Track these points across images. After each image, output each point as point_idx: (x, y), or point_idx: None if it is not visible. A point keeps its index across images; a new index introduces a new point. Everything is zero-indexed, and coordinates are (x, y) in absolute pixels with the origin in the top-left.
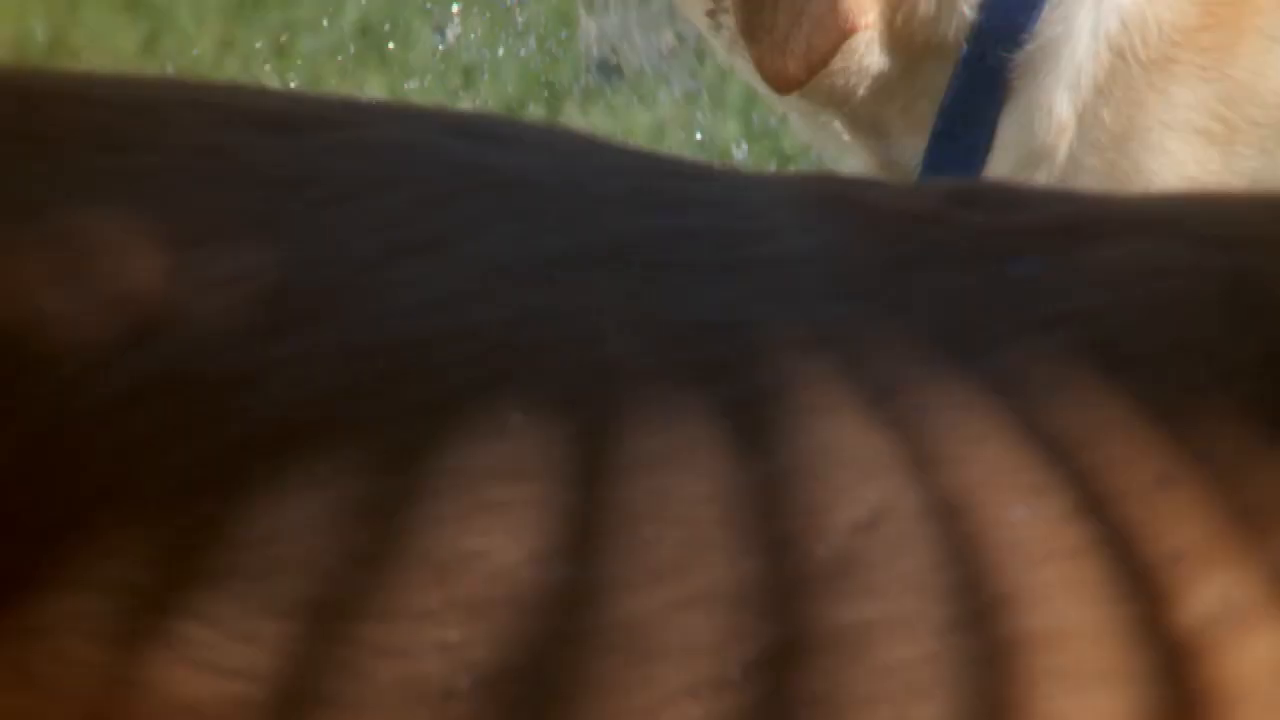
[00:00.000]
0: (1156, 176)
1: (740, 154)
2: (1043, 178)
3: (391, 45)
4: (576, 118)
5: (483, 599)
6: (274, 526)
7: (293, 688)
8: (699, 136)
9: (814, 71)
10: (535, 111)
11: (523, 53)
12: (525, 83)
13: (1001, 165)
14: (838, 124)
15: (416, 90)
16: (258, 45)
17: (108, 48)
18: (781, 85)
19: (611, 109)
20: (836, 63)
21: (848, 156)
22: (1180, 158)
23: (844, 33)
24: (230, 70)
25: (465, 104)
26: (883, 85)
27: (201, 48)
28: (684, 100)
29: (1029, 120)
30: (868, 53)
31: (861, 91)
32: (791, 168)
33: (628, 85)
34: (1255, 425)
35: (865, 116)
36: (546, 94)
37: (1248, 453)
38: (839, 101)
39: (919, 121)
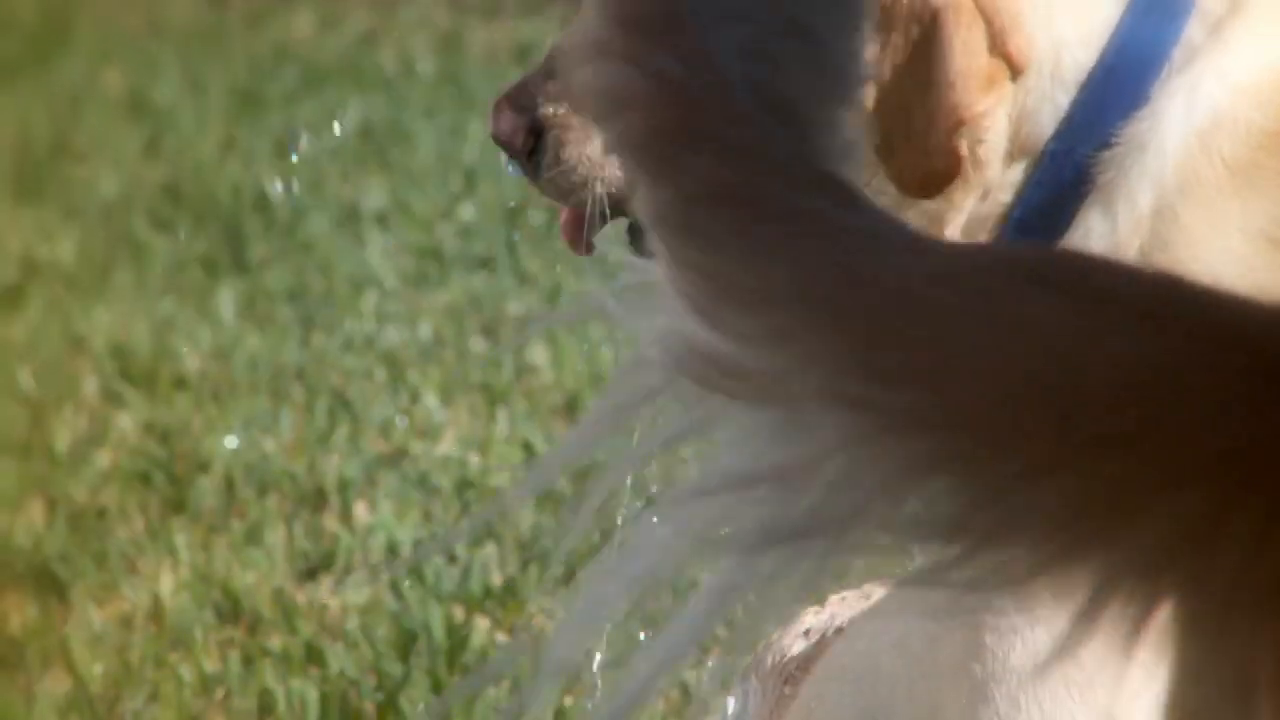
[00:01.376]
0: (1225, 282)
1: None
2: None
3: (393, 148)
4: None
5: None
6: None
7: None
8: None
9: (959, 167)
10: (536, 215)
11: None
12: (526, 186)
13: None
14: (938, 217)
15: (418, 195)
16: (259, 147)
17: (110, 150)
18: (931, 187)
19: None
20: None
21: None
22: (1252, 264)
23: (961, 122)
24: (232, 173)
25: (466, 208)
26: (989, 185)
27: (203, 150)
28: None
29: (1110, 216)
30: (988, 159)
31: (974, 196)
32: None
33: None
34: None
35: (935, 205)
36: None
37: None
38: (956, 206)
39: (991, 209)
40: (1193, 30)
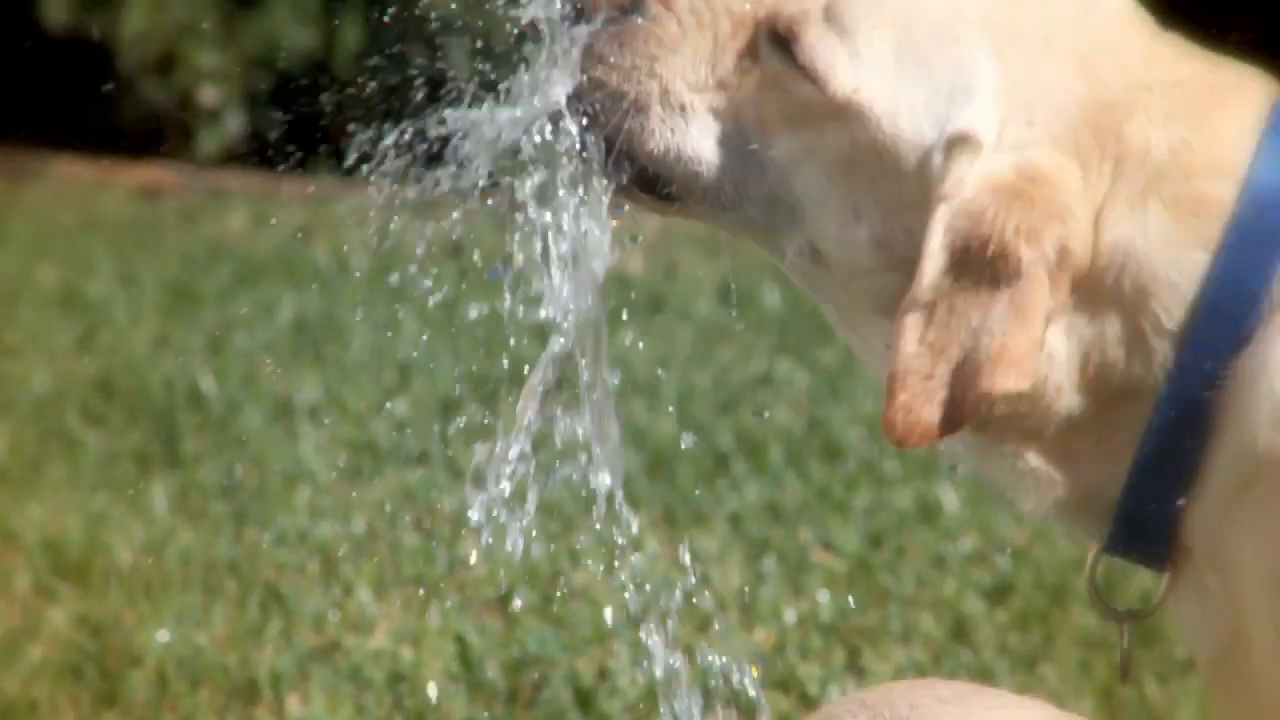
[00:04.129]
0: None
1: (688, 442)
2: (1251, 502)
3: (326, 343)
4: (511, 415)
5: None
6: None
7: None
8: (635, 433)
9: (952, 430)
10: (472, 411)
11: (458, 349)
12: (460, 379)
13: (1215, 490)
14: (1018, 454)
15: (352, 390)
16: (193, 342)
17: (43, 344)
18: (911, 436)
19: (546, 405)
20: (1024, 405)
21: (1021, 489)
22: None
23: (987, 396)
24: (166, 368)
25: (399, 403)
26: (1076, 422)
27: (136, 344)
28: (619, 396)
29: (1231, 459)
30: (1057, 397)
31: (1051, 430)
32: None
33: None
34: None
35: (1055, 448)
36: (481, 390)
37: None
38: (1026, 437)
39: (1115, 451)
40: None
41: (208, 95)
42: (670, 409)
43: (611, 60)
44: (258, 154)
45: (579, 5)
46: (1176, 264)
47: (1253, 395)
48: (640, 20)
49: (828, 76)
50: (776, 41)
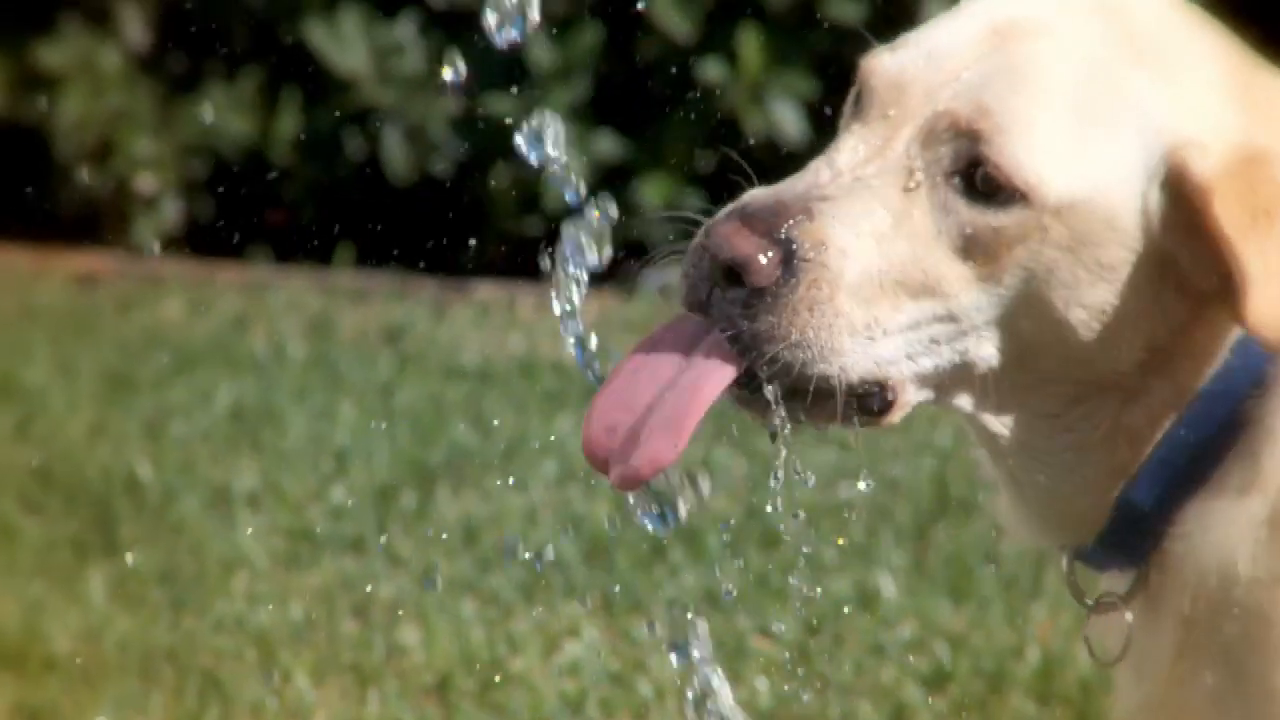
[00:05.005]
0: None
1: (613, 534)
2: (1258, 503)
3: (264, 431)
4: (449, 501)
5: None
6: None
7: None
8: (570, 520)
9: None
10: (408, 497)
11: (396, 437)
12: (398, 467)
13: (1223, 491)
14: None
15: (290, 477)
16: (130, 430)
17: None
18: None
19: (484, 493)
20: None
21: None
22: None
23: None
24: (103, 456)
25: (336, 490)
26: (1128, 392)
27: (73, 432)
28: (556, 484)
29: (1258, 449)
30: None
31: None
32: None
33: (499, 468)
34: None
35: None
36: (419, 478)
37: None
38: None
39: (1141, 436)
40: None
41: (145, 183)
42: (608, 496)
43: (793, 324)
44: (195, 242)
45: (729, 269)
46: None
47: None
48: (797, 275)
49: (1035, 183)
50: (965, 179)
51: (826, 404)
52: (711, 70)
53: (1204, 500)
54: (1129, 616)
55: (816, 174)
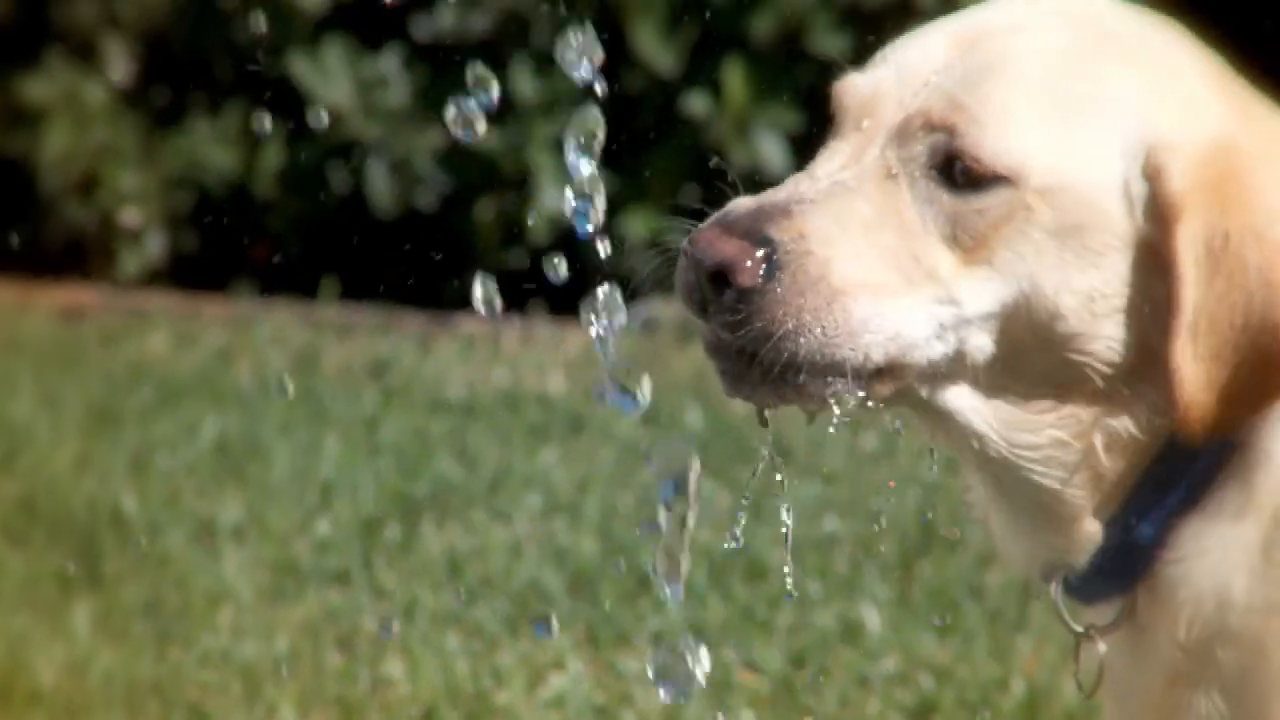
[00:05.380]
0: None
1: (596, 567)
2: (1252, 528)
3: (249, 464)
4: (433, 534)
5: None
6: None
7: None
8: (556, 553)
9: (1239, 424)
10: (393, 530)
11: (380, 470)
12: (382, 500)
13: (1217, 514)
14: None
15: (275, 510)
16: (115, 463)
17: None
18: (1225, 433)
19: (469, 526)
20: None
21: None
22: None
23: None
24: (88, 488)
25: (321, 523)
26: (1118, 407)
27: (58, 465)
28: (541, 516)
29: (1250, 472)
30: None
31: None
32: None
33: (483, 501)
34: None
35: (1090, 449)
36: (404, 511)
37: None
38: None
39: (1135, 455)
40: None
41: (129, 217)
42: (592, 529)
43: (787, 313)
44: (179, 275)
45: (715, 274)
46: None
47: (1272, 425)
48: (783, 268)
49: (1018, 165)
50: (943, 173)
51: (825, 387)
52: (696, 103)
53: (1198, 524)
54: (1102, 647)
55: (796, 184)
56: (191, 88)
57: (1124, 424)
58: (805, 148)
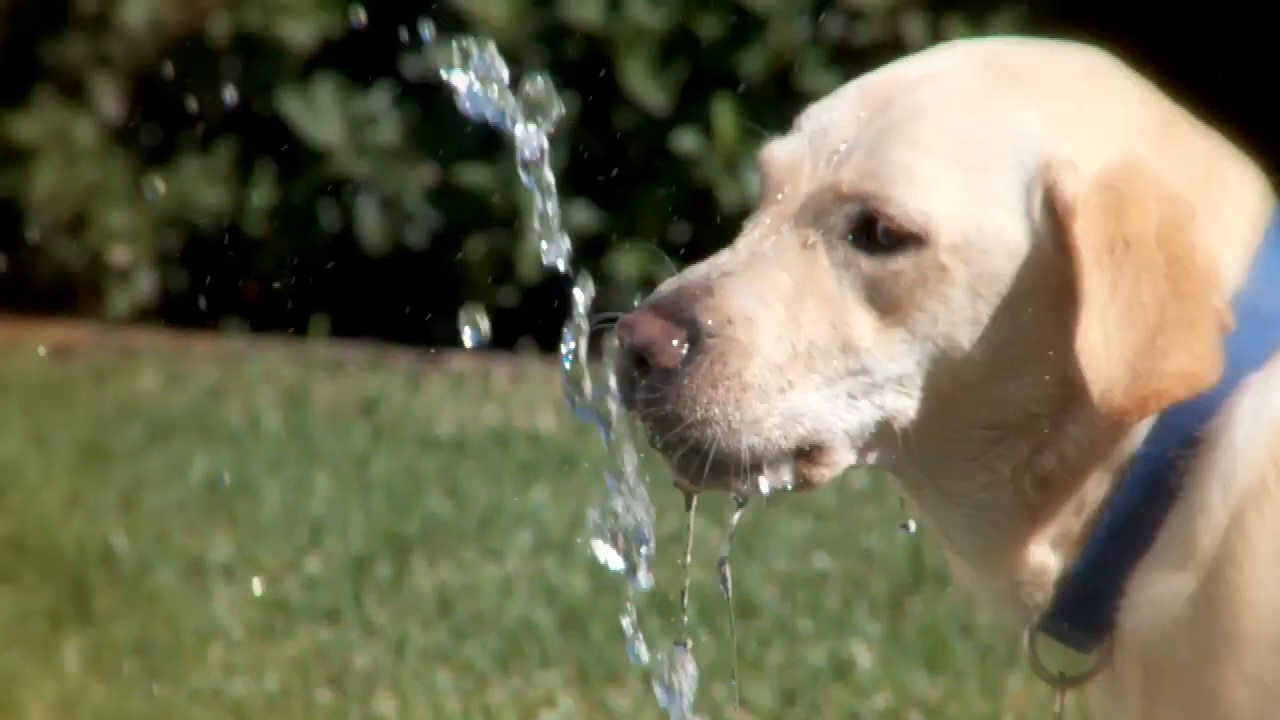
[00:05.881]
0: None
1: (587, 604)
2: (1191, 578)
3: (239, 501)
4: (424, 572)
5: None
6: None
7: None
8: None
9: (1147, 410)
10: (383, 567)
11: (371, 507)
12: (373, 537)
13: (1161, 562)
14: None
15: (263, 547)
16: (105, 501)
17: None
18: (1154, 409)
19: (459, 563)
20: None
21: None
22: None
23: (1198, 384)
24: (77, 526)
25: (311, 560)
26: (1069, 460)
27: (48, 503)
28: (532, 554)
29: (1189, 523)
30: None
31: (1049, 463)
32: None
33: (474, 539)
34: None
35: (1040, 492)
36: (394, 549)
37: None
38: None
39: (1088, 505)
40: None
41: (119, 255)
42: (583, 566)
43: (696, 403)
44: (169, 313)
45: (639, 355)
46: None
47: (1212, 458)
48: (704, 353)
49: (927, 226)
50: (860, 237)
51: (753, 474)
52: (686, 141)
53: (1146, 571)
54: (1060, 700)
55: (717, 257)
56: (181, 126)
57: (1050, 459)
58: None
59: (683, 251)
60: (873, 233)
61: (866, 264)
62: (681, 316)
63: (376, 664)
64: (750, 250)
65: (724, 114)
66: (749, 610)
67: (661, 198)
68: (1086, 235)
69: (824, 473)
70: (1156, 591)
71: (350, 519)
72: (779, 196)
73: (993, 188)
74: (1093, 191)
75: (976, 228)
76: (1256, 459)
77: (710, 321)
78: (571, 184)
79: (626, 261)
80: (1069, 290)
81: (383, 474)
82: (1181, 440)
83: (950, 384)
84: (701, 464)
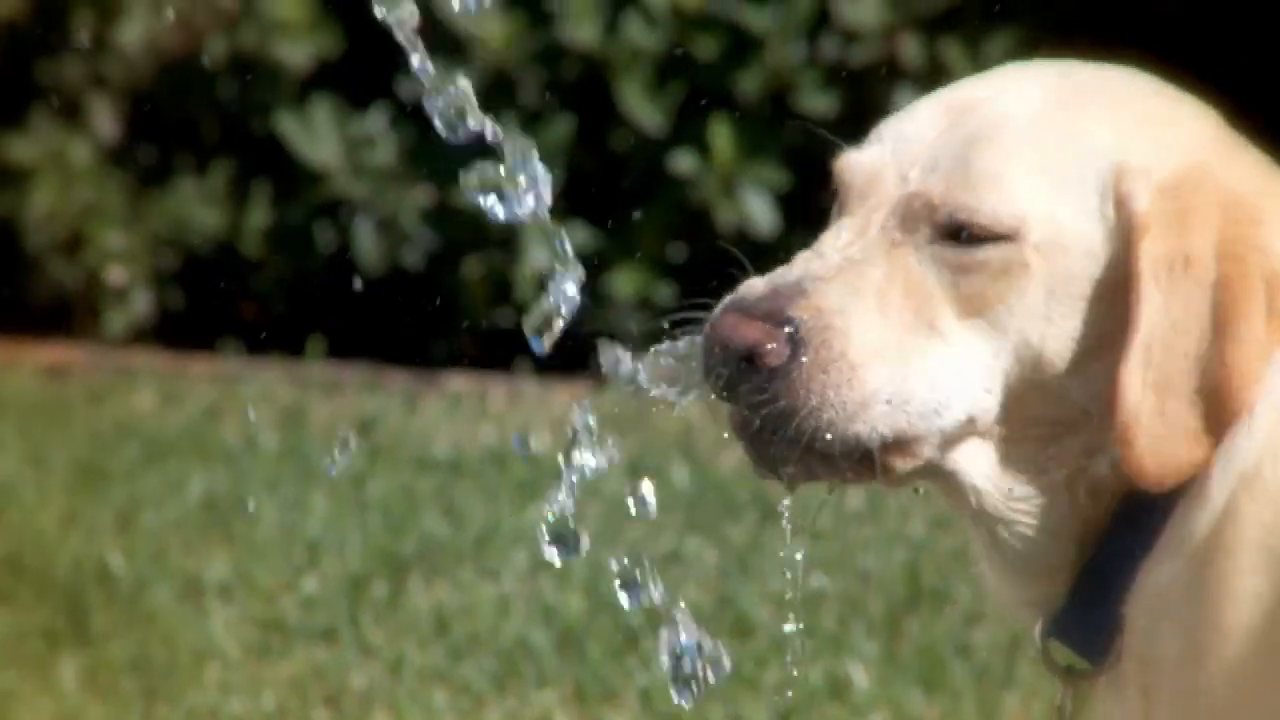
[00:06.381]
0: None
1: (583, 624)
2: (1186, 567)
3: (235, 521)
4: (420, 592)
5: None
6: None
7: None
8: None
9: (1211, 449)
10: (380, 587)
11: (367, 527)
12: (369, 557)
13: (1164, 552)
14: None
15: (260, 567)
16: (101, 520)
17: None
18: (1166, 474)
19: (456, 583)
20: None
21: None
22: None
23: (1240, 407)
24: (74, 546)
25: (308, 580)
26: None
27: (44, 522)
28: (529, 574)
29: (1191, 507)
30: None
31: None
32: (637, 641)
33: (470, 558)
34: None
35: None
36: (391, 568)
37: None
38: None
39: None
40: None
41: (115, 275)
42: (579, 585)
43: (810, 391)
44: (166, 333)
45: (745, 357)
46: None
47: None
48: (808, 344)
49: (1017, 224)
50: (948, 238)
51: (842, 463)
52: (683, 162)
53: (1150, 567)
54: (1064, 698)
55: (806, 262)
56: (178, 146)
57: (1102, 465)
58: (793, 207)
59: (680, 272)
60: (959, 235)
61: (953, 255)
62: (779, 317)
63: (373, 684)
64: (839, 254)
65: (720, 135)
66: (745, 629)
67: (658, 218)
68: (1149, 252)
69: (907, 464)
70: (1155, 580)
71: (347, 539)
72: (868, 201)
73: (1074, 192)
74: (1159, 198)
75: (1059, 228)
76: (1255, 443)
77: (807, 315)
78: (567, 205)
79: (623, 282)
80: (1132, 300)
81: (379, 494)
82: None
83: (1020, 382)
84: (813, 454)
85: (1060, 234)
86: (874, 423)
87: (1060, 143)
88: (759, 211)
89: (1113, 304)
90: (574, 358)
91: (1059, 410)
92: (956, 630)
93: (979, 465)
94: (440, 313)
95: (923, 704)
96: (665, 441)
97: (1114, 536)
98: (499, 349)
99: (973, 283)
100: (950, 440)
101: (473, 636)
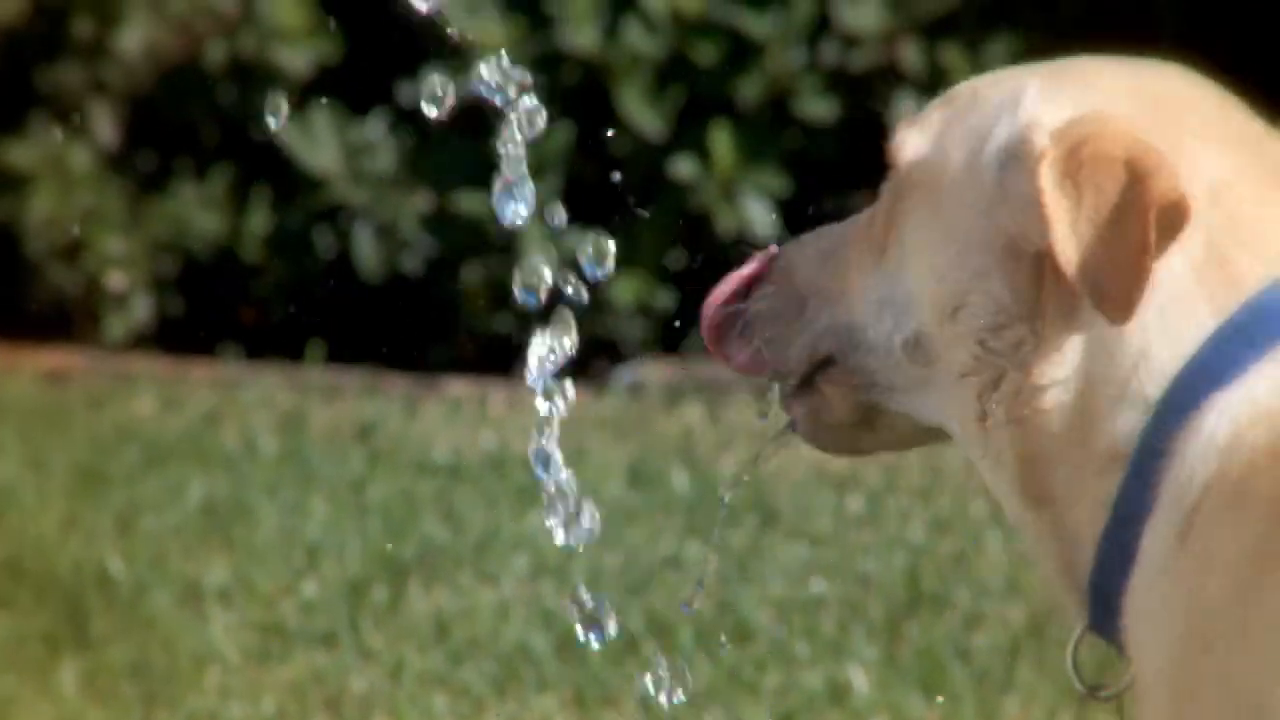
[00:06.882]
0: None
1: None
2: (1166, 541)
3: (235, 526)
4: (420, 597)
5: None
6: None
7: None
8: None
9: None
10: (380, 591)
11: (367, 532)
12: (369, 562)
13: (1156, 525)
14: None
15: (259, 571)
16: (101, 525)
17: None
18: (1126, 302)
19: (456, 588)
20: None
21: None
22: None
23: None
24: (74, 550)
25: (308, 585)
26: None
27: (44, 527)
28: (528, 578)
29: (1157, 537)
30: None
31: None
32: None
33: (470, 563)
34: None
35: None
36: (391, 573)
37: None
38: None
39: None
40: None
41: (115, 280)
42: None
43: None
44: (166, 339)
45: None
46: (1176, 333)
47: (1174, 468)
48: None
49: (899, 153)
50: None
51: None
52: (683, 168)
53: (1137, 571)
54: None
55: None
56: (177, 152)
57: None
58: (793, 212)
59: (680, 277)
60: None
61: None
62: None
63: (373, 688)
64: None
65: (720, 140)
66: (745, 634)
67: (658, 224)
68: (1046, 172)
69: (839, 394)
70: (1146, 557)
71: (346, 543)
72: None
73: (967, 131)
74: (1058, 136)
75: (933, 155)
76: (1209, 478)
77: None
78: (567, 211)
79: (623, 288)
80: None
81: (379, 499)
82: (1163, 446)
83: (930, 320)
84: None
85: (934, 158)
86: (813, 341)
87: (984, 93)
88: (759, 217)
89: (1000, 246)
90: (573, 362)
91: (971, 346)
92: (956, 634)
93: (928, 410)
94: (440, 318)
95: (923, 708)
96: (664, 446)
97: (1106, 544)
98: (498, 354)
99: (879, 220)
100: (892, 370)
101: (472, 641)
